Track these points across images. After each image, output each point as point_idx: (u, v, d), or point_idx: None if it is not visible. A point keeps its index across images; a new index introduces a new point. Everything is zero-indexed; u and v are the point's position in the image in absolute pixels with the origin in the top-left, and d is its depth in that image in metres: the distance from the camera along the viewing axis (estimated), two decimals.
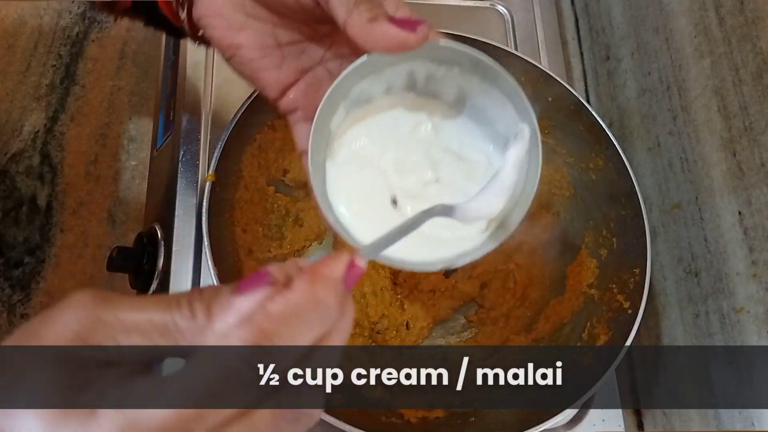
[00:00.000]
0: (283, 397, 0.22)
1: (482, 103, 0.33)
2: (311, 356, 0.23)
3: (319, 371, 0.23)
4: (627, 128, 0.64)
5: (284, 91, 0.34)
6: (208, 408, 0.20)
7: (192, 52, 0.58)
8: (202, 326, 0.22)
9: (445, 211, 0.31)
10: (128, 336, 0.21)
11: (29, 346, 0.20)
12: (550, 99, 0.54)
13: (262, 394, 0.21)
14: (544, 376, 0.50)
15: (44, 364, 0.20)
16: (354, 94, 0.32)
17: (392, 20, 0.27)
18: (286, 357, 0.22)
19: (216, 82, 0.58)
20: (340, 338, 0.24)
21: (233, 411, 0.21)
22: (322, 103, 0.30)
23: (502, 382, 0.52)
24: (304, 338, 0.22)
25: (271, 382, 0.21)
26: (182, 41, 0.59)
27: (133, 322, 0.21)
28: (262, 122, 0.53)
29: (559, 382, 0.49)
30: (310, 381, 0.23)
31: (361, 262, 0.25)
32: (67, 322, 0.21)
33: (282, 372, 0.22)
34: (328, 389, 0.24)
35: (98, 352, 0.21)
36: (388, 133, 0.34)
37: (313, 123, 0.30)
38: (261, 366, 0.21)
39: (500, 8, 0.70)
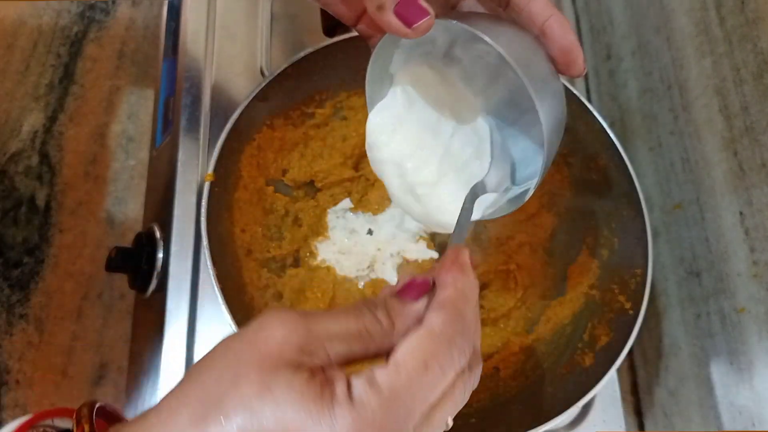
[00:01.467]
0: (473, 367, 0.26)
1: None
2: (478, 329, 0.27)
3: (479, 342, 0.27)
4: (628, 128, 0.64)
5: (358, 19, 0.36)
6: (439, 374, 0.24)
7: (191, 52, 0.58)
8: (387, 330, 0.25)
9: (481, 188, 0.35)
10: (333, 344, 0.24)
11: (258, 357, 0.22)
12: None
13: (468, 366, 0.25)
14: (544, 377, 0.51)
15: (279, 371, 0.22)
16: (406, 44, 0.34)
17: (397, 9, 0.28)
18: (473, 330, 0.26)
19: (215, 82, 0.58)
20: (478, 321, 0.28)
21: (450, 382, 0.24)
22: (373, 53, 0.33)
23: (502, 382, 0.52)
24: (473, 313, 0.26)
25: (468, 357, 0.25)
26: (181, 41, 0.59)
27: (334, 332, 0.24)
28: (261, 122, 0.53)
29: (559, 383, 0.49)
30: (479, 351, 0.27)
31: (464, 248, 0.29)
32: (285, 334, 0.23)
33: (474, 345, 0.26)
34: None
35: (314, 358, 0.23)
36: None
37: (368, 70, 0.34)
38: (466, 339, 0.25)
39: None
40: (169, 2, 0.65)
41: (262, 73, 0.60)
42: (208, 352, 0.24)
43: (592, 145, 0.52)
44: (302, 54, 0.51)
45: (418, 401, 0.23)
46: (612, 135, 0.50)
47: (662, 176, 0.57)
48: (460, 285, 0.27)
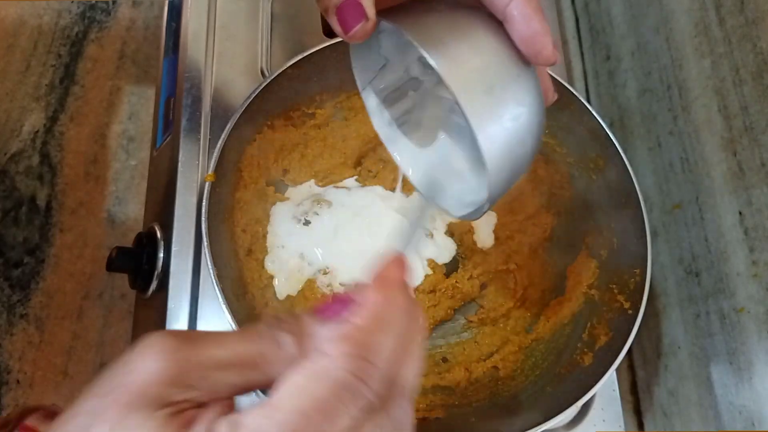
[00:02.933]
0: (389, 407, 0.22)
1: None
2: (404, 360, 0.23)
3: (416, 374, 0.23)
4: (627, 128, 0.64)
5: None
6: (323, 424, 0.19)
7: (192, 52, 0.58)
8: (292, 356, 0.22)
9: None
10: (220, 373, 0.21)
11: (120, 394, 0.20)
12: None
13: (370, 408, 0.21)
14: (543, 376, 0.51)
15: (138, 411, 0.19)
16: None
17: (338, 11, 0.26)
18: (386, 363, 0.22)
19: (216, 83, 0.58)
20: (421, 337, 0.24)
21: (343, 429, 0.20)
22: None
23: (501, 382, 0.52)
24: (395, 341, 0.22)
25: (375, 396, 0.21)
26: (182, 41, 0.59)
27: (222, 360, 0.21)
28: (262, 122, 0.53)
29: (558, 382, 0.49)
30: (407, 386, 0.23)
31: (405, 258, 0.25)
32: (155, 366, 0.20)
33: (387, 380, 0.22)
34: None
35: (191, 392, 0.20)
36: None
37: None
38: (367, 377, 0.21)
39: None
40: (169, 3, 0.65)
41: (263, 74, 0.60)
42: (99, 376, 0.21)
43: (591, 145, 0.52)
44: (302, 54, 0.51)
45: None
46: (611, 135, 0.50)
47: (661, 176, 0.57)
48: (376, 309, 0.22)
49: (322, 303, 0.24)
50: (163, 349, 0.20)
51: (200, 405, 0.21)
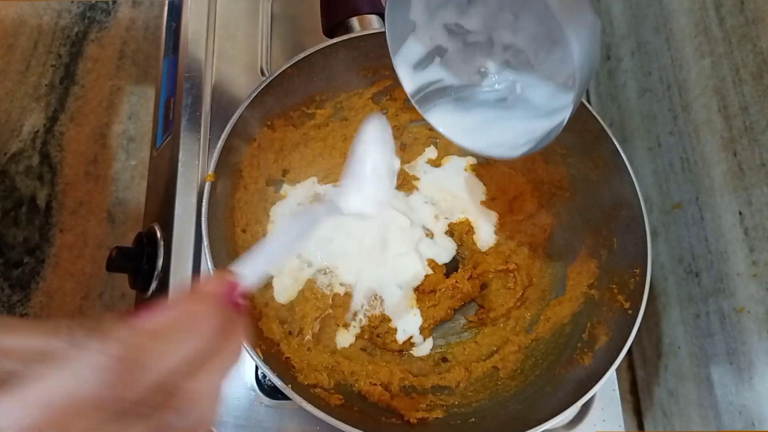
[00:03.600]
0: (157, 413, 0.21)
1: None
2: (195, 370, 0.22)
3: (202, 392, 0.22)
4: (627, 128, 0.64)
5: None
6: (54, 427, 0.19)
7: (192, 52, 0.58)
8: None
9: (325, 210, 0.31)
10: (4, 358, 0.21)
11: None
12: None
13: (121, 410, 0.20)
14: (543, 376, 0.51)
15: None
16: None
17: None
18: (160, 369, 0.21)
19: (216, 82, 0.58)
20: (224, 361, 0.23)
21: (86, 428, 0.20)
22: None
23: (501, 382, 0.52)
24: (178, 351, 0.22)
25: (142, 396, 0.21)
26: (182, 41, 0.59)
27: (11, 347, 0.21)
28: (262, 122, 0.53)
29: (558, 382, 0.49)
30: (194, 397, 0.22)
31: (240, 280, 0.25)
32: None
33: (157, 386, 0.21)
34: (213, 414, 0.24)
35: None
36: None
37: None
38: (126, 381, 0.20)
39: None
40: (169, 3, 0.65)
41: (263, 74, 0.60)
42: None
43: (591, 145, 0.52)
44: (302, 54, 0.51)
45: None
46: (611, 135, 0.50)
47: (661, 176, 0.57)
48: (169, 318, 0.22)
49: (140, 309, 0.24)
50: None
51: None
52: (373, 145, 0.33)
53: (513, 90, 0.37)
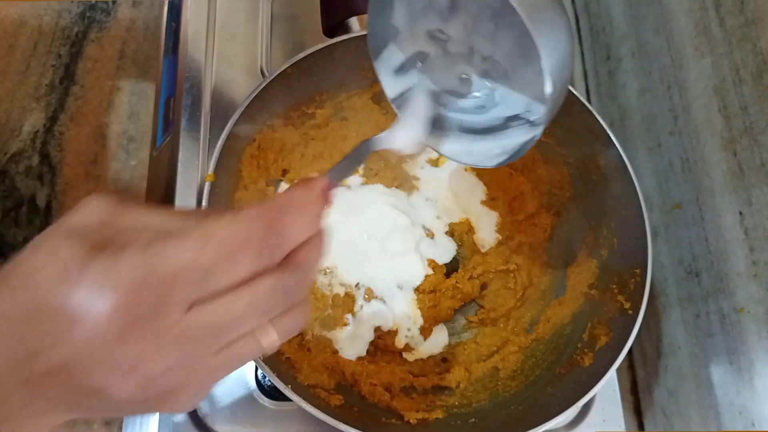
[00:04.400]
0: (283, 272, 0.25)
1: None
2: (306, 248, 0.26)
3: (309, 272, 0.26)
4: (628, 128, 0.64)
5: None
6: (222, 260, 0.23)
7: (192, 53, 0.58)
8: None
9: (379, 142, 0.34)
10: (142, 234, 0.23)
11: (56, 230, 0.23)
12: None
13: (268, 265, 0.24)
14: (543, 376, 0.51)
15: (64, 237, 0.22)
16: None
17: None
18: (292, 234, 0.25)
19: (215, 82, 0.58)
20: (320, 248, 0.27)
21: (242, 275, 0.23)
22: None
23: (502, 382, 0.52)
24: (300, 224, 0.25)
25: (276, 256, 0.24)
26: (182, 41, 0.59)
27: (146, 224, 0.24)
28: (262, 122, 0.53)
29: (558, 382, 0.49)
30: (305, 272, 0.26)
31: (332, 181, 0.29)
32: (92, 212, 0.24)
33: (284, 250, 0.25)
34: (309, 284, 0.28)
35: (118, 236, 0.23)
36: None
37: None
38: (272, 236, 0.24)
39: None
40: (169, 3, 0.65)
41: (263, 74, 0.60)
42: None
43: (591, 145, 0.52)
44: (302, 54, 0.51)
45: (189, 279, 0.22)
46: (611, 135, 0.50)
47: (662, 176, 0.57)
48: (292, 192, 0.26)
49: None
50: (99, 205, 0.24)
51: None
52: (428, 94, 0.37)
53: (492, 99, 0.38)
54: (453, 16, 0.36)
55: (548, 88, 0.31)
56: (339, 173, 0.31)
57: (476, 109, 0.39)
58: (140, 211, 0.24)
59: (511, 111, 0.37)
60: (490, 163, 0.37)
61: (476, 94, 0.38)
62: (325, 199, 0.27)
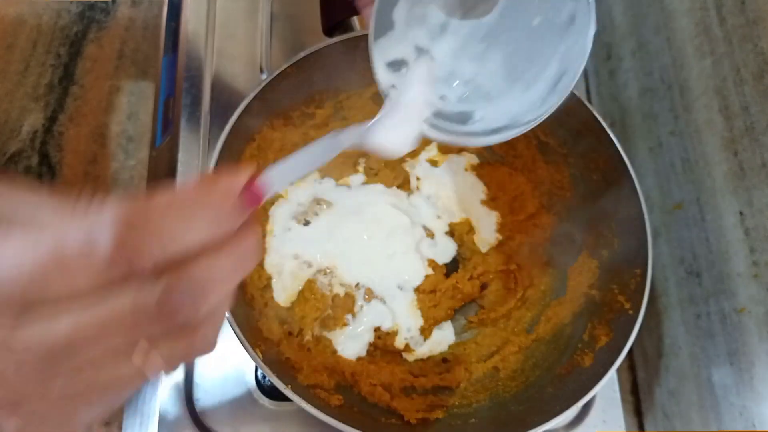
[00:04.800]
0: (158, 284, 0.20)
1: None
2: (206, 258, 0.21)
3: (210, 287, 0.21)
4: (628, 128, 0.64)
5: None
6: (62, 271, 0.19)
7: (191, 52, 0.58)
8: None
9: (351, 136, 0.30)
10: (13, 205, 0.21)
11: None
12: None
13: (126, 273, 0.20)
14: (543, 377, 0.51)
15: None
16: None
17: None
18: (167, 242, 0.20)
19: (215, 82, 0.58)
20: (238, 255, 0.22)
21: (82, 284, 0.19)
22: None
23: (502, 382, 0.52)
24: (190, 227, 0.21)
25: (142, 260, 0.20)
26: (181, 41, 0.59)
27: (30, 199, 0.22)
28: (262, 122, 0.52)
29: (559, 383, 0.49)
30: (199, 286, 0.21)
31: (263, 182, 0.24)
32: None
33: (163, 260, 0.20)
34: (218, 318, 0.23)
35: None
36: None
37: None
38: (135, 246, 0.20)
39: None
40: (169, 2, 0.65)
41: (263, 73, 0.60)
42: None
43: (592, 145, 0.52)
44: (302, 54, 0.50)
45: (20, 283, 0.19)
46: (612, 135, 0.50)
47: (662, 176, 0.57)
48: (176, 193, 0.21)
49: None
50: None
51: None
52: (418, 83, 0.33)
53: (471, 117, 0.37)
54: (443, 34, 0.35)
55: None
56: (286, 172, 0.26)
57: (458, 115, 0.38)
58: (24, 196, 0.22)
59: (495, 124, 0.36)
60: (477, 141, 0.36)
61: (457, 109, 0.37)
62: (247, 200, 0.23)
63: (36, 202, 0.22)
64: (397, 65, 0.38)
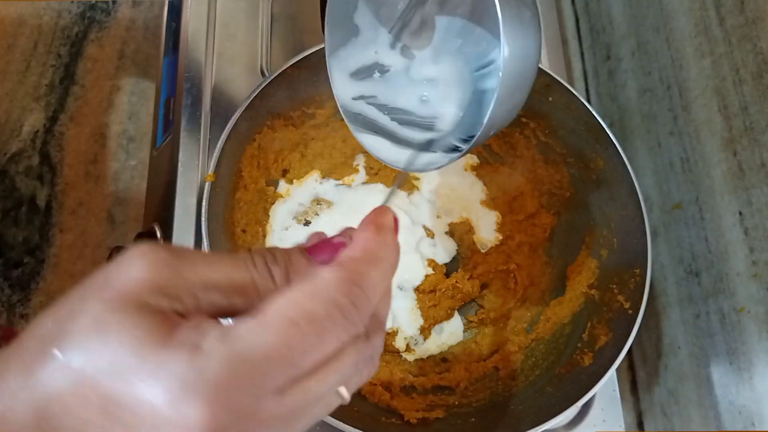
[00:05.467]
0: (371, 337, 0.24)
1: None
2: (385, 296, 0.25)
3: (388, 311, 0.25)
4: (627, 128, 0.64)
5: None
6: (312, 338, 0.20)
7: (192, 52, 0.58)
8: (280, 287, 0.22)
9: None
10: (207, 293, 0.21)
11: (106, 293, 0.20)
12: (550, 99, 0.54)
13: (356, 334, 0.22)
14: (543, 376, 0.51)
15: (125, 309, 0.19)
16: None
17: None
18: (375, 294, 0.23)
19: (216, 82, 0.58)
20: (390, 294, 0.26)
21: (331, 349, 0.21)
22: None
23: (501, 382, 0.52)
24: (382, 276, 0.24)
25: (363, 323, 0.22)
26: (182, 41, 0.59)
27: (212, 280, 0.21)
28: (262, 122, 0.53)
29: (558, 382, 0.49)
30: (383, 320, 0.25)
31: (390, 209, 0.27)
32: (142, 271, 0.20)
33: (372, 311, 0.23)
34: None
35: (176, 303, 0.20)
36: None
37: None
38: (359, 303, 0.22)
39: None
40: (169, 2, 0.65)
41: (263, 74, 0.60)
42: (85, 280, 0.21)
43: (591, 145, 0.52)
44: (302, 54, 0.51)
45: (280, 364, 0.20)
46: (611, 135, 0.50)
47: (662, 176, 0.57)
48: (370, 244, 0.24)
49: (315, 244, 0.25)
50: (156, 259, 0.21)
51: (184, 316, 0.21)
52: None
53: (440, 128, 0.36)
54: (421, 30, 0.34)
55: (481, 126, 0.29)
56: (392, 196, 0.30)
57: (417, 127, 0.37)
58: (199, 266, 0.21)
59: (453, 140, 0.35)
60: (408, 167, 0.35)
61: (425, 118, 0.36)
62: (397, 239, 0.26)
63: (210, 266, 0.22)
64: (368, 70, 0.36)
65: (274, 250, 0.23)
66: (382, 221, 0.25)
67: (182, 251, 0.22)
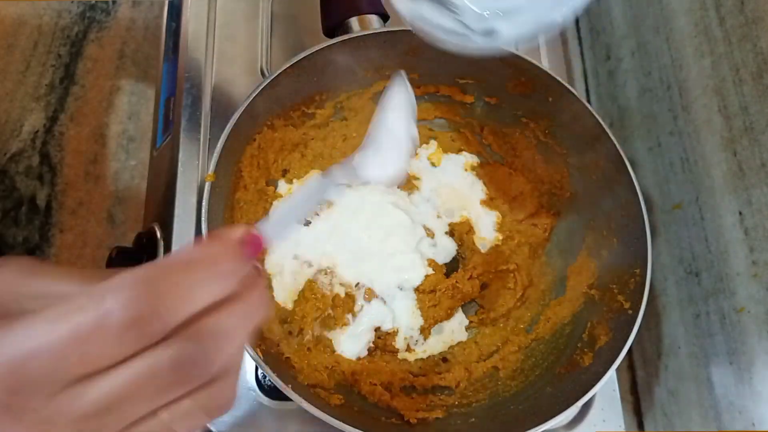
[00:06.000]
0: (172, 345, 0.21)
1: None
2: (218, 314, 0.22)
3: (222, 341, 0.22)
4: (627, 128, 0.64)
5: None
6: (80, 349, 0.20)
7: (192, 52, 0.58)
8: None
9: (341, 175, 0.29)
10: (33, 302, 0.22)
11: None
12: (550, 99, 0.54)
13: (149, 339, 0.21)
14: (543, 376, 0.51)
15: None
16: None
17: None
18: (180, 300, 0.21)
19: (216, 82, 0.58)
20: (248, 309, 0.23)
21: (106, 359, 0.20)
22: None
23: (501, 382, 0.52)
24: (202, 288, 0.22)
25: (161, 325, 0.21)
26: (182, 41, 0.59)
27: (43, 292, 0.22)
28: (262, 122, 0.53)
29: (558, 382, 0.49)
30: (213, 340, 0.22)
31: (260, 233, 0.24)
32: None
33: (179, 323, 0.21)
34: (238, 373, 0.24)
35: (12, 304, 0.22)
36: None
37: None
38: (151, 315, 0.20)
39: None
40: (169, 3, 0.65)
41: (263, 74, 0.60)
42: None
43: (591, 145, 0.52)
44: (302, 54, 0.51)
45: (41, 358, 0.20)
46: (611, 135, 0.50)
47: (662, 176, 0.57)
48: (191, 249, 0.23)
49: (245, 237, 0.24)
50: (7, 272, 0.22)
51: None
52: (393, 111, 0.32)
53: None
54: None
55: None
56: (282, 219, 0.26)
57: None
58: (42, 279, 0.22)
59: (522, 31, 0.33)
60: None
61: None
62: (247, 252, 0.23)
63: (51, 279, 0.23)
64: None
65: (116, 271, 0.22)
66: (221, 234, 0.24)
67: (37, 268, 0.22)
